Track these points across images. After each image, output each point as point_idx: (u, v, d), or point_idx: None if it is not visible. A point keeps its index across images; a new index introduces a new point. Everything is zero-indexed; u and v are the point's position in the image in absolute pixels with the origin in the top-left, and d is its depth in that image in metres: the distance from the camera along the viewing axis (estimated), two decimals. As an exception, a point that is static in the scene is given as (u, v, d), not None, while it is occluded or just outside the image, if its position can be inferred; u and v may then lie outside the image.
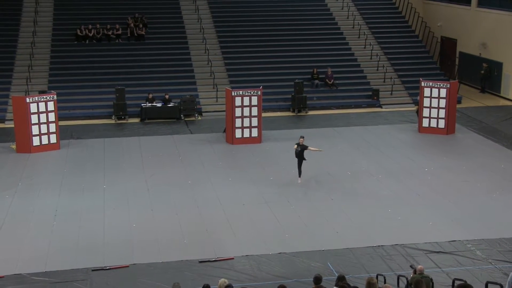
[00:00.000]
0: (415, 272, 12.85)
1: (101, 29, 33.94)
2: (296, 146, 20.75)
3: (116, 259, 15.56)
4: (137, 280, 14.65)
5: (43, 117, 24.24)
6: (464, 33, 36.52)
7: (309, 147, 20.68)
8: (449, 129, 26.45)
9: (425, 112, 26.61)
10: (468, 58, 36.00)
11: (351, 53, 34.85)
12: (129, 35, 34.15)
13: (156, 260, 15.54)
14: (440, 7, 38.92)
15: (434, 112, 26.47)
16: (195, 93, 30.89)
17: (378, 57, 34.34)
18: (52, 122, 24.41)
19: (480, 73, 34.10)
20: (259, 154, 23.98)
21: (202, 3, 37.34)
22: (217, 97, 30.73)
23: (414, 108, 28.77)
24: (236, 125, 25.20)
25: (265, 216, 18.23)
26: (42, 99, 24.38)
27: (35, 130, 24.07)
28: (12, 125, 25.21)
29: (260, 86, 27.01)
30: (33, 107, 24.04)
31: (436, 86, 26.62)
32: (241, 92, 25.37)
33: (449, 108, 26.29)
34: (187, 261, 15.48)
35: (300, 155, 20.64)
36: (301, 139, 20.70)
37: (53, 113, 24.46)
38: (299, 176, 20.83)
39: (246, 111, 25.25)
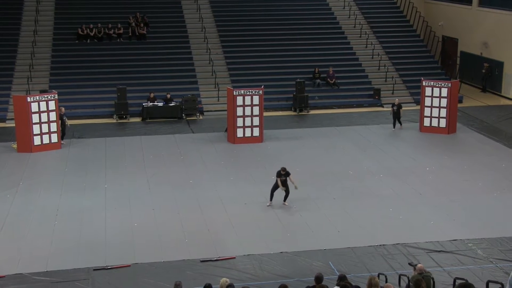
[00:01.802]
0: (414, 268, 12.84)
1: (102, 28, 33.94)
2: (282, 179, 18.54)
3: (117, 259, 15.56)
4: (138, 279, 14.64)
5: (44, 117, 24.24)
6: (465, 33, 36.50)
7: (291, 175, 18.66)
8: (450, 128, 26.45)
9: (427, 112, 26.63)
10: (469, 57, 35.99)
11: (353, 53, 34.83)
12: (130, 34, 34.13)
13: (158, 260, 15.53)
14: (442, 7, 38.90)
15: (435, 112, 26.48)
16: (196, 92, 30.88)
17: (380, 56, 34.33)
18: (53, 121, 24.43)
19: (481, 73, 34.09)
20: (260, 154, 23.97)
21: (204, 2, 37.31)
22: (218, 96, 30.71)
23: (389, 109, 27.94)
24: (238, 125, 25.19)
25: (266, 215, 18.23)
26: (43, 98, 24.37)
27: (36, 129, 24.06)
28: (13, 125, 25.20)
29: (261, 85, 27.02)
30: (34, 107, 24.03)
31: (437, 85, 26.62)
32: (242, 92, 25.37)
33: (450, 108, 26.29)
34: (188, 261, 15.48)
35: (285, 184, 18.65)
36: (283, 172, 18.52)
37: (54, 113, 24.47)
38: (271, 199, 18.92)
39: (248, 111, 25.25)
